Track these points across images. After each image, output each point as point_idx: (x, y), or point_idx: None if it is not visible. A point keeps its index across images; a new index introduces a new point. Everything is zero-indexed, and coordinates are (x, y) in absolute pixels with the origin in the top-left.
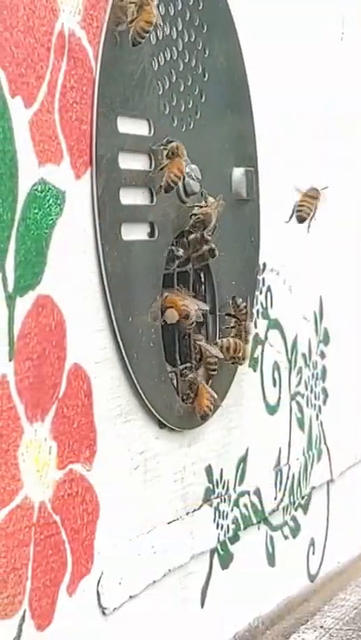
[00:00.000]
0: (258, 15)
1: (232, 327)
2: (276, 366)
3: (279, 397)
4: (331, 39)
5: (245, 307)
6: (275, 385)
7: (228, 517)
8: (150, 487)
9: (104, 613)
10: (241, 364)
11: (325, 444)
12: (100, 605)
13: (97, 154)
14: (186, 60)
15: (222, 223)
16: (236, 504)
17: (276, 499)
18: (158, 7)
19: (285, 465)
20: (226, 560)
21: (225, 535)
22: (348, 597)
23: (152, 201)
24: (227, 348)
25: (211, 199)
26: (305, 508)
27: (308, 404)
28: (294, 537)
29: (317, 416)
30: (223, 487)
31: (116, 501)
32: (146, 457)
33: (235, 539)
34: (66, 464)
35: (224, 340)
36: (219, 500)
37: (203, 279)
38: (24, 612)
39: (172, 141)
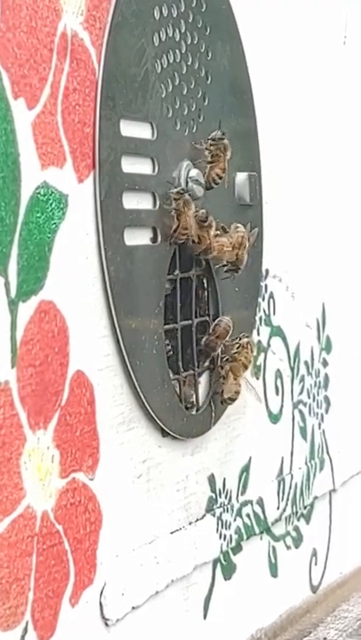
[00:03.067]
0: (261, 18)
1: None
2: (278, 374)
3: (282, 406)
4: (334, 42)
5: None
6: (277, 393)
7: (231, 527)
8: (153, 496)
9: (107, 624)
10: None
11: (328, 453)
12: (102, 617)
13: (100, 157)
14: (189, 63)
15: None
16: (239, 514)
17: (278, 508)
18: (161, 10)
19: (288, 474)
20: (229, 571)
21: (228, 545)
22: (351, 609)
23: (155, 205)
24: None
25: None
26: (307, 518)
27: (310, 413)
28: (297, 547)
29: (320, 425)
30: (226, 497)
31: (118, 511)
32: (149, 465)
33: (237, 549)
34: (69, 473)
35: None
36: (222, 509)
37: (206, 285)
38: (26, 623)
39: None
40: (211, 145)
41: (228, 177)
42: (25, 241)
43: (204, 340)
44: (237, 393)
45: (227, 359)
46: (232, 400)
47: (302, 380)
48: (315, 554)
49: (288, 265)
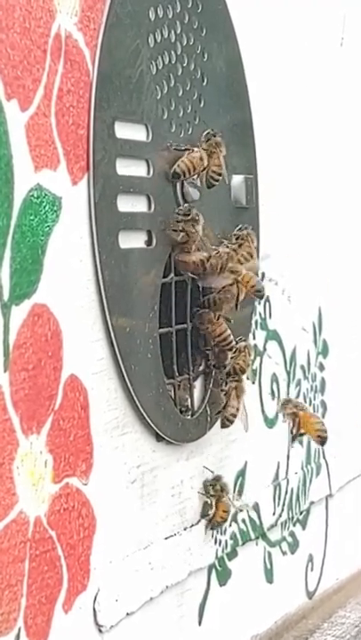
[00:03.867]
0: (258, 19)
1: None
2: (274, 378)
3: (278, 410)
4: (331, 44)
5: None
6: (273, 397)
7: (227, 533)
8: (147, 502)
9: (100, 631)
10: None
11: (324, 457)
12: (96, 623)
13: (94, 159)
14: (184, 64)
15: (221, 232)
16: (235, 519)
17: (274, 514)
18: (156, 11)
19: (284, 479)
20: (224, 576)
21: (223, 551)
22: (348, 615)
23: (150, 208)
24: None
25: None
26: (303, 524)
27: None
28: (293, 553)
29: None
30: None
31: (112, 516)
32: (143, 470)
33: (233, 555)
34: (62, 478)
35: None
36: None
37: (201, 288)
38: (19, 629)
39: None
40: (204, 144)
41: (228, 173)
42: (18, 244)
43: (210, 355)
44: (234, 416)
45: (231, 375)
46: (231, 420)
47: (298, 384)
48: (311, 559)
49: (284, 268)
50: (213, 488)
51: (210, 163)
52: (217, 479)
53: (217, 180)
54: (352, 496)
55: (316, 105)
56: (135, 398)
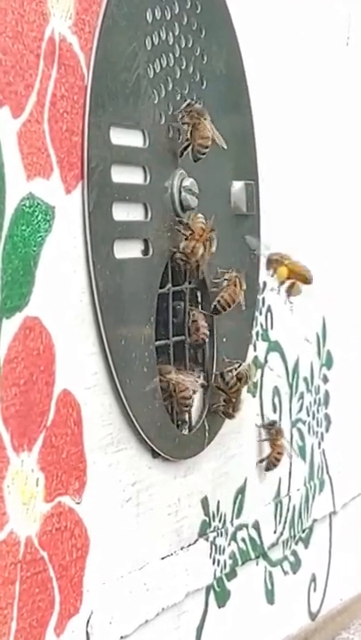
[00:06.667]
0: (259, 19)
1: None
2: (276, 391)
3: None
4: (336, 44)
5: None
6: (275, 411)
7: (225, 552)
8: (143, 520)
9: None
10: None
11: (328, 473)
12: None
13: (89, 167)
14: (183, 67)
15: (221, 239)
16: (234, 538)
17: (275, 532)
18: (154, 12)
19: (286, 496)
20: (222, 597)
21: (222, 571)
22: (351, 637)
23: (146, 217)
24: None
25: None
26: (306, 542)
27: (309, 432)
28: (295, 572)
29: (320, 444)
30: (220, 520)
31: (106, 536)
32: (138, 488)
33: (232, 575)
34: (54, 496)
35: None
36: (215, 533)
37: (200, 299)
38: None
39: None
40: (184, 116)
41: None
42: (9, 255)
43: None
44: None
45: None
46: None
47: (301, 397)
48: (314, 579)
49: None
50: (269, 431)
51: (195, 135)
52: (272, 423)
53: (203, 154)
54: (357, 513)
55: (321, 107)
56: (130, 414)
